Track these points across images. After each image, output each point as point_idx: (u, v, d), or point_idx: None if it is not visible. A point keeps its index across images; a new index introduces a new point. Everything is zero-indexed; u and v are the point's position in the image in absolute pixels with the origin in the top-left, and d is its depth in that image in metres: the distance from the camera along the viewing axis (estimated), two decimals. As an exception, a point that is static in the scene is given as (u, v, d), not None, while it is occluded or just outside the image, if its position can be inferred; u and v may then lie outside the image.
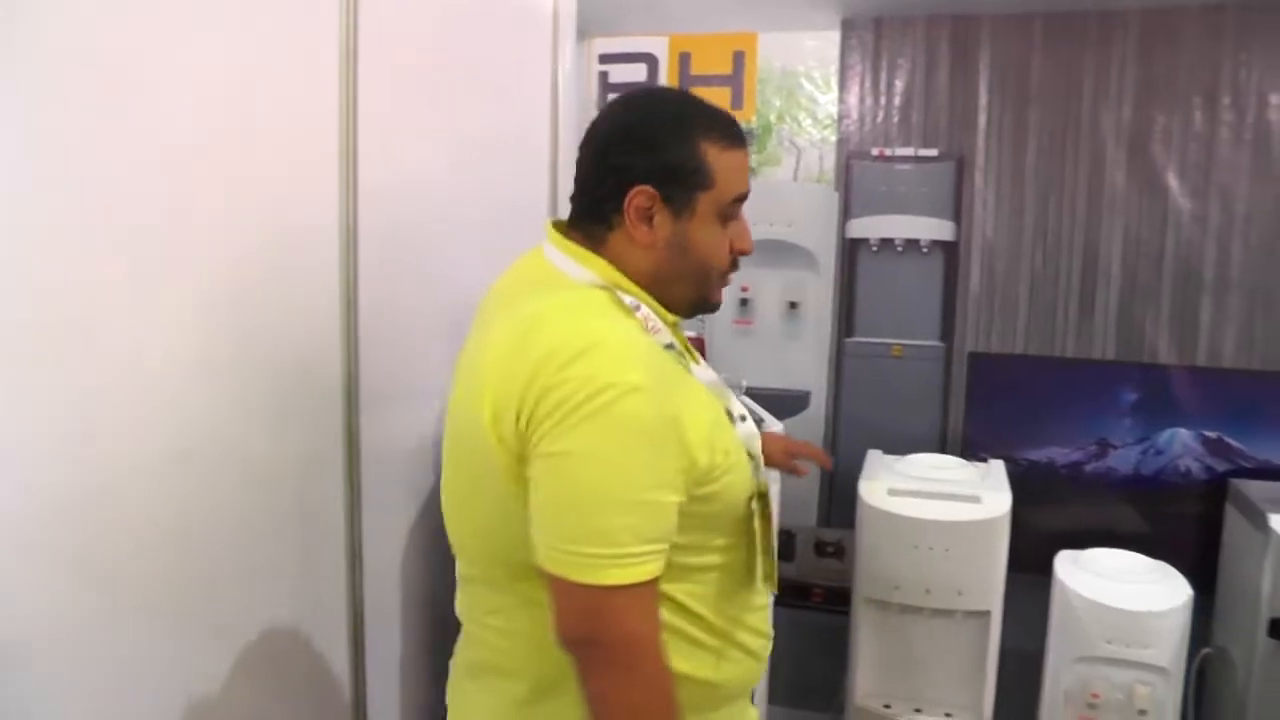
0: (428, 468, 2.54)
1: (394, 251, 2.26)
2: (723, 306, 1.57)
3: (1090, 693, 2.42)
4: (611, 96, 3.04)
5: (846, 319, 3.03)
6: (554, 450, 1.26)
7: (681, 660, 1.37)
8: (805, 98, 2.96)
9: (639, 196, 1.37)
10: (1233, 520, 2.69)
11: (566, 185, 2.94)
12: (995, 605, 2.48)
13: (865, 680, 2.59)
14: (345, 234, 2.06)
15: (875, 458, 2.75)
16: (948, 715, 2.54)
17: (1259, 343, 2.77)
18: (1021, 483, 2.67)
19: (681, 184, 1.37)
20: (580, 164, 1.46)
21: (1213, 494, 2.79)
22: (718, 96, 3.00)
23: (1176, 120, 2.77)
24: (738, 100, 3.00)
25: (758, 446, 1.45)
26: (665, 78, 3.03)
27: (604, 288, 1.37)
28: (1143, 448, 2.85)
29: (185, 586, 1.74)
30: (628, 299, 1.37)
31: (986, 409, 2.95)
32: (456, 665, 1.60)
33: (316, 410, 2.08)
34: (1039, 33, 2.83)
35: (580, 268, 1.40)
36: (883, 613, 2.54)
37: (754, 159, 3.02)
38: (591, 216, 1.42)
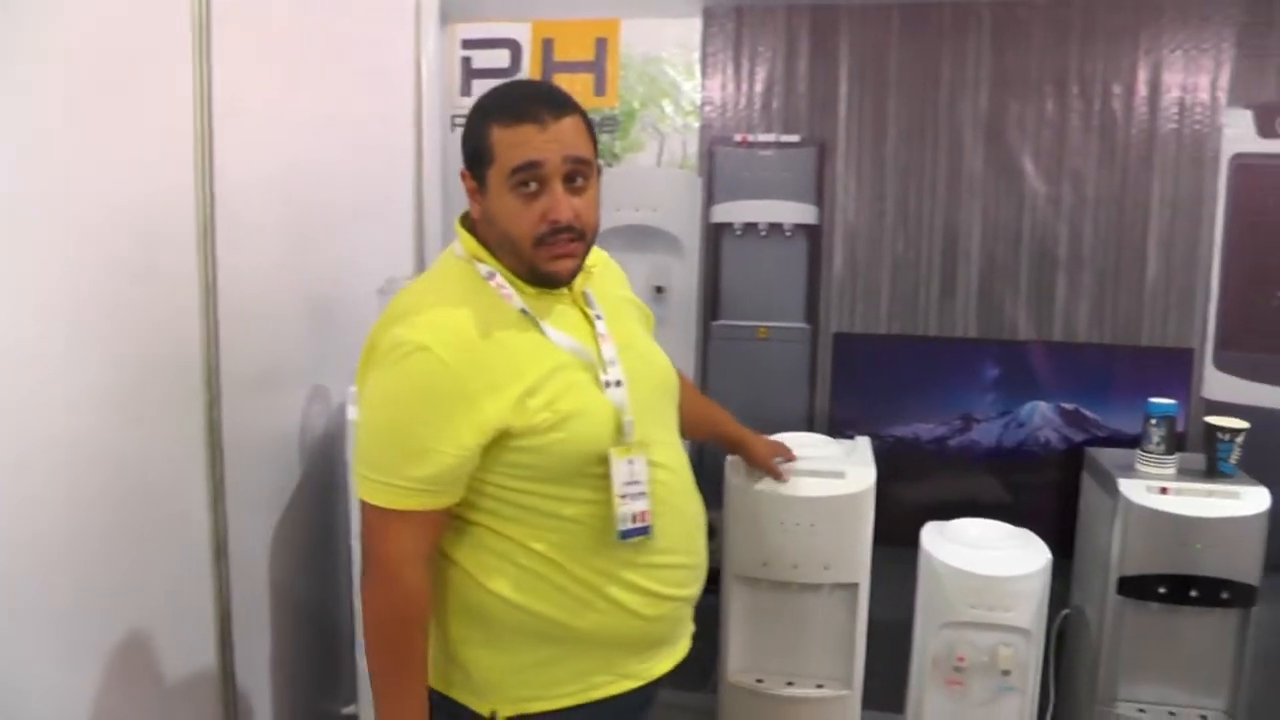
0: (294, 459, 2.51)
1: (254, 235, 2.24)
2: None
3: (956, 656, 2.47)
4: (476, 82, 3.05)
5: (712, 302, 3.06)
6: (362, 391, 1.59)
7: (542, 602, 1.57)
8: (668, 84, 2.98)
9: (464, 180, 1.61)
10: (1088, 486, 2.78)
11: (431, 169, 2.97)
12: (863, 577, 2.51)
13: (737, 657, 2.61)
14: (202, 216, 2.04)
15: (744, 437, 2.76)
16: (819, 686, 2.57)
17: (1109, 318, 2.86)
18: (888, 458, 2.72)
19: (478, 165, 1.56)
20: None
21: (1070, 462, 2.88)
22: (581, 83, 3.01)
23: (1030, 108, 2.85)
24: (600, 87, 3.01)
25: (627, 410, 1.58)
26: (528, 64, 3.03)
27: (469, 260, 1.60)
28: (1004, 421, 2.93)
29: (41, 587, 1.70)
30: (483, 269, 1.58)
31: (852, 388, 3.00)
32: None
33: (176, 400, 2.05)
34: (896, 22, 2.89)
35: (457, 243, 1.63)
36: (753, 589, 2.56)
37: (617, 145, 3.03)
38: None
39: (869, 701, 2.60)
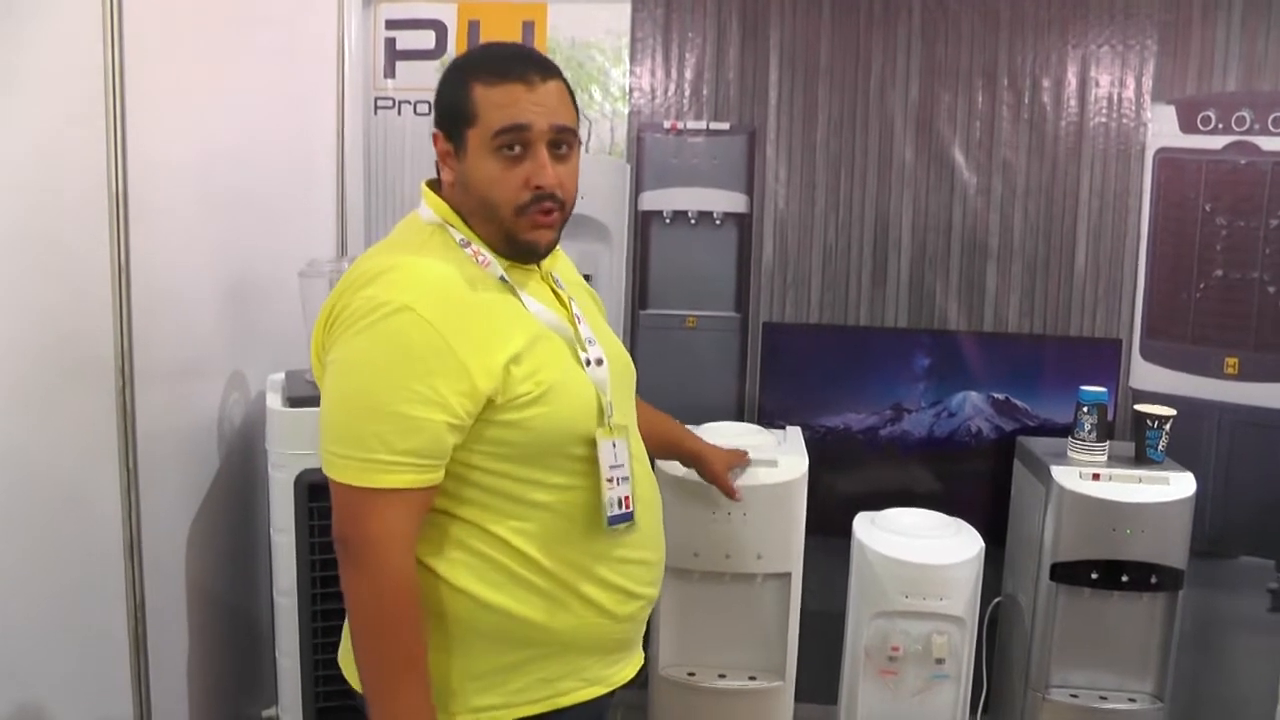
0: (212, 451, 2.44)
1: (169, 217, 2.17)
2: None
3: (890, 646, 2.47)
4: (400, 63, 2.98)
5: (640, 291, 3.02)
6: (331, 359, 1.43)
7: (513, 600, 1.47)
8: (596, 69, 2.94)
9: (436, 141, 1.52)
10: (1019, 475, 2.79)
11: (353, 151, 2.92)
12: (795, 567, 2.49)
13: (669, 650, 2.57)
14: (113, 198, 1.97)
15: (673, 427, 2.73)
16: (752, 678, 2.54)
17: (1039, 308, 2.89)
18: (819, 449, 2.70)
19: (454, 124, 1.48)
20: None
21: (1001, 452, 2.89)
22: None
23: (960, 99, 2.86)
24: (528, 71, 2.97)
25: (608, 390, 1.54)
26: (454, 46, 2.96)
27: (440, 225, 1.51)
28: (936, 411, 2.94)
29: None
30: (457, 235, 1.50)
31: (782, 378, 2.98)
32: None
33: (86, 390, 1.97)
34: (827, 10, 2.88)
35: (426, 208, 1.54)
36: (683, 581, 2.53)
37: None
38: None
39: (802, 693, 2.59)
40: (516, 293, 1.49)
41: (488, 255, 1.49)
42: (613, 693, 1.62)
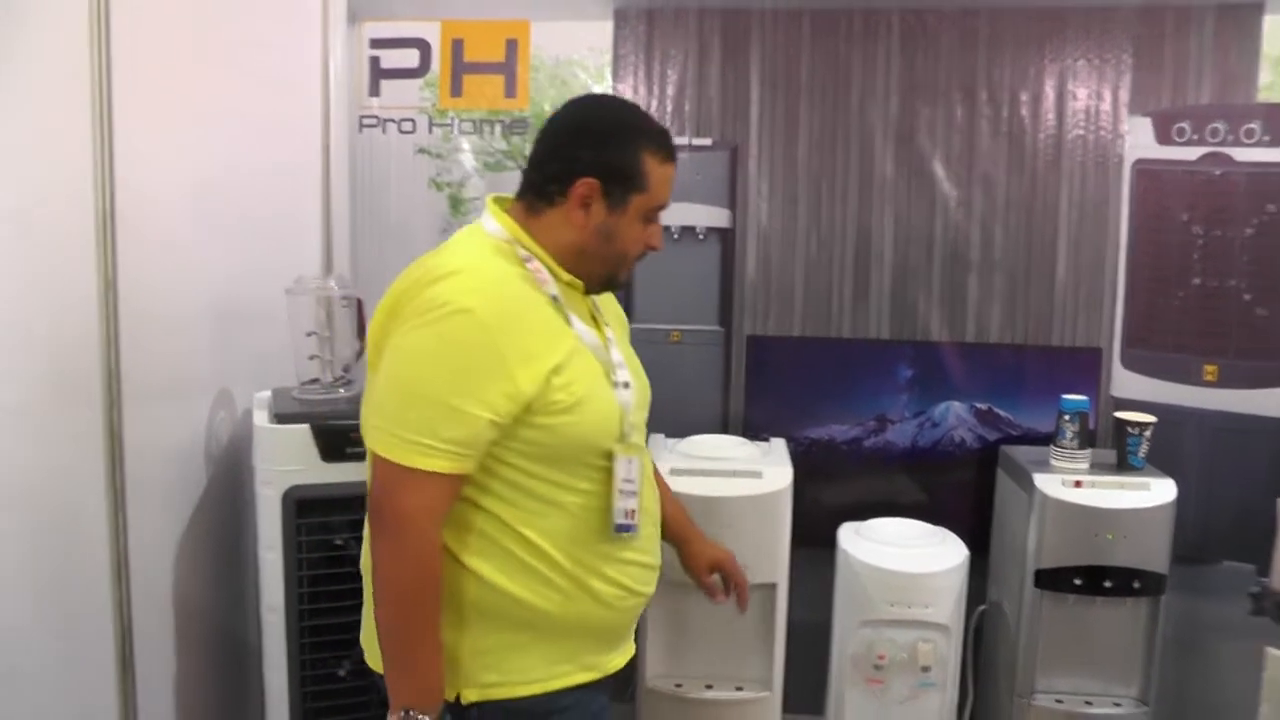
0: (199, 468, 2.44)
1: (156, 237, 2.18)
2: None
3: (877, 654, 2.49)
4: (384, 82, 3.00)
5: (625, 306, 2.95)
6: (393, 345, 1.55)
7: (522, 588, 1.59)
8: (579, 86, 2.95)
9: (583, 186, 1.62)
10: (1003, 483, 2.81)
11: (340, 171, 2.92)
12: (781, 577, 2.51)
13: (655, 662, 2.58)
14: (101, 219, 1.98)
15: (657, 441, 2.75)
16: (739, 689, 2.55)
17: (1020, 319, 2.91)
18: (803, 460, 2.73)
19: (621, 183, 1.63)
20: (536, 148, 1.70)
21: (984, 461, 2.91)
22: (491, 84, 2.99)
23: (940, 114, 2.89)
24: (511, 89, 2.97)
25: (631, 412, 1.67)
26: (438, 64, 2.98)
27: (507, 241, 1.63)
28: (919, 421, 2.95)
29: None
30: (521, 252, 1.63)
31: (766, 391, 3.00)
32: None
33: (73, 409, 1.98)
34: (807, 27, 2.92)
35: (493, 222, 1.66)
36: (670, 592, 2.49)
37: (528, 147, 3.00)
38: (536, 193, 1.66)
39: (789, 703, 2.61)
40: (564, 310, 1.62)
41: (546, 274, 1.62)
42: (605, 679, 1.72)
